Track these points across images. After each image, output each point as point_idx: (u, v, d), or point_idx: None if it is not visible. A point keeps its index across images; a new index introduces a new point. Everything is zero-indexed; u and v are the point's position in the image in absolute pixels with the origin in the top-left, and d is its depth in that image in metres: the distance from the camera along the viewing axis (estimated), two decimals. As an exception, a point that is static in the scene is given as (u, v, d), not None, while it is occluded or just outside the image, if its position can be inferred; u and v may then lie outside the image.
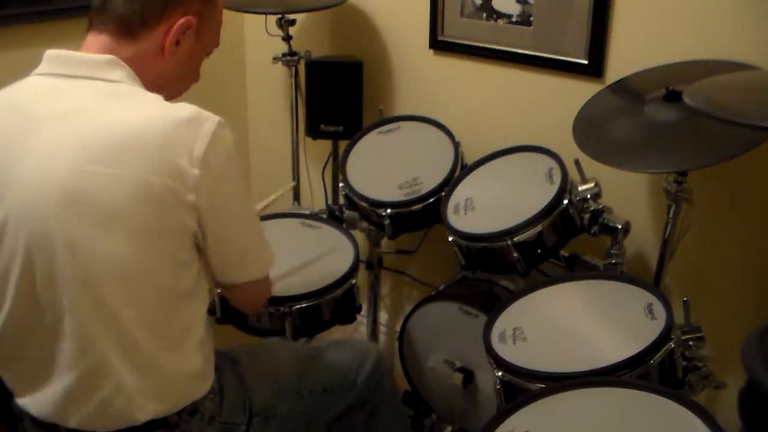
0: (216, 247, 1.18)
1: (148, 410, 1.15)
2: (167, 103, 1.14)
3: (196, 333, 1.20)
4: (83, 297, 1.09)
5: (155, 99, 1.15)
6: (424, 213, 1.82)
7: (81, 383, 1.13)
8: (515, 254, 1.57)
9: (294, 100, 2.28)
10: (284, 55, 2.22)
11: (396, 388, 1.64)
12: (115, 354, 1.12)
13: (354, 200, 1.91)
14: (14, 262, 1.09)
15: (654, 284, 1.58)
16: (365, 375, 1.51)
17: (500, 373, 1.40)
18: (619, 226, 1.61)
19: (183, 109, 1.11)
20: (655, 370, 1.32)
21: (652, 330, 1.35)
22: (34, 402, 1.17)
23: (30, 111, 1.12)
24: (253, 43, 2.57)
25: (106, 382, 1.13)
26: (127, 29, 1.16)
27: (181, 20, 1.18)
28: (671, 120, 1.46)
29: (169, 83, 1.24)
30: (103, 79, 1.13)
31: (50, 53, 1.16)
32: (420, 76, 2.16)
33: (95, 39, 1.17)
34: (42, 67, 1.17)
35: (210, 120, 1.11)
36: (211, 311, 1.66)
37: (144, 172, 1.06)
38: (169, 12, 1.17)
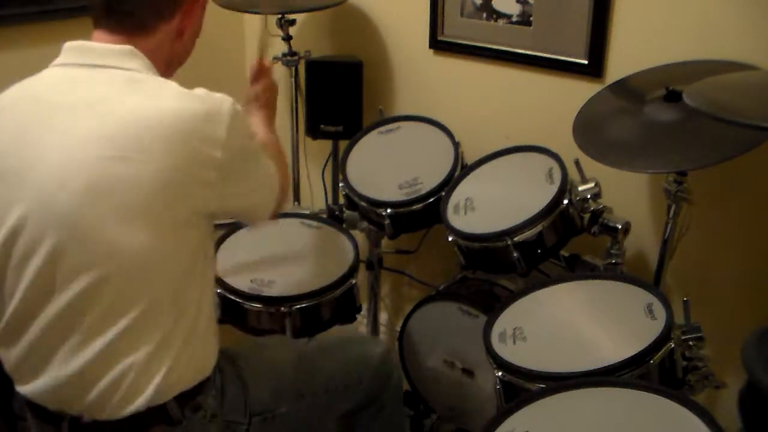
0: (238, 207, 1.25)
1: (148, 398, 1.15)
2: (185, 90, 1.14)
3: (200, 321, 1.21)
4: (93, 285, 1.09)
5: (173, 87, 1.15)
6: (424, 213, 1.82)
7: (85, 370, 1.13)
8: (515, 254, 1.57)
9: (294, 100, 2.28)
10: (284, 55, 2.22)
11: (401, 387, 1.64)
12: (121, 342, 1.12)
13: (354, 200, 1.91)
14: (34, 249, 1.10)
15: (654, 284, 1.58)
16: (370, 375, 1.50)
17: (500, 373, 1.40)
18: (619, 226, 1.61)
19: (199, 94, 1.13)
20: (655, 370, 1.32)
21: (652, 330, 1.35)
22: (37, 388, 1.17)
23: (48, 101, 1.13)
24: (254, 43, 2.57)
25: (109, 369, 1.13)
26: (143, 28, 1.17)
27: (198, 3, 1.22)
28: (671, 120, 1.46)
29: (182, 57, 1.28)
30: (120, 68, 1.14)
31: (69, 44, 1.17)
32: (420, 76, 2.16)
33: (107, 37, 1.17)
34: (60, 59, 1.17)
35: (223, 101, 1.13)
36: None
37: (166, 160, 1.07)
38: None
